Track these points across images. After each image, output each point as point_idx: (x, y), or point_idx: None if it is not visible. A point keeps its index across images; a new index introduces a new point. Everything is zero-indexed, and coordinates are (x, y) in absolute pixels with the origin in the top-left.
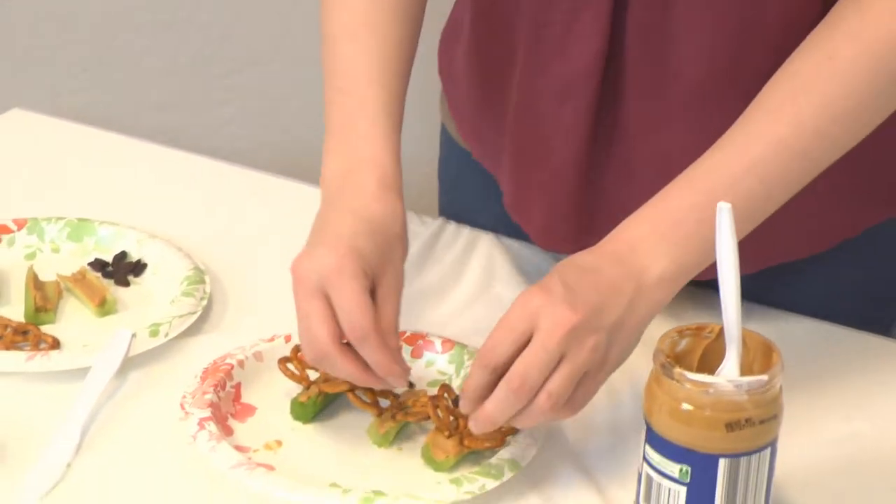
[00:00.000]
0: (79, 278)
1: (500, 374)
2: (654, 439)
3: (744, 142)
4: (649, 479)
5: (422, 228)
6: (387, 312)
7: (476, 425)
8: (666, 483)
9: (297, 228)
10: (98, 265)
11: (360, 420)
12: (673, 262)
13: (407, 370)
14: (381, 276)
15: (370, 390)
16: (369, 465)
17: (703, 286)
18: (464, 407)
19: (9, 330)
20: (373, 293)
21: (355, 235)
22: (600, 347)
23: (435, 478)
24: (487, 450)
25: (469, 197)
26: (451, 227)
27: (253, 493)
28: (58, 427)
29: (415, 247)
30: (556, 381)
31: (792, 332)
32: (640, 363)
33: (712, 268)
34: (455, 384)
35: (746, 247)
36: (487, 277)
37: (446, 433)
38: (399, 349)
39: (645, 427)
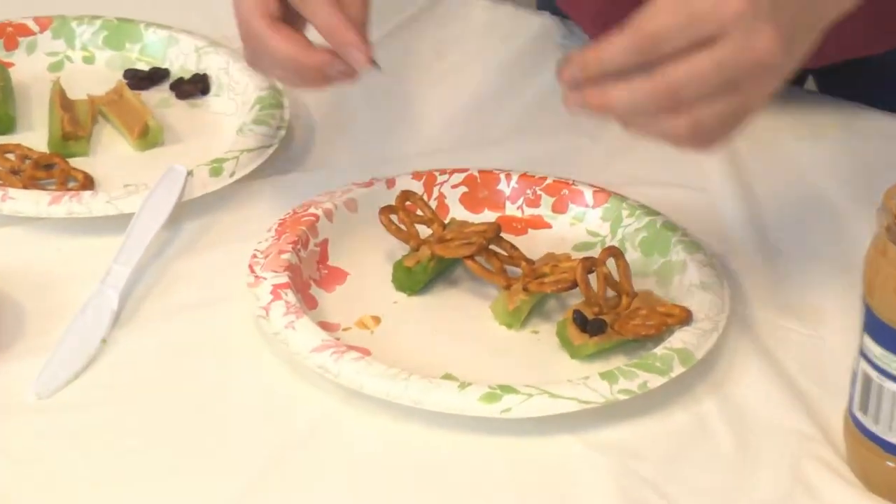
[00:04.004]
0: (114, 98)
1: (649, 61)
2: (875, 326)
3: None
4: (868, 379)
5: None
6: (356, 4)
7: (568, 100)
8: (890, 385)
9: (401, 49)
10: (132, 76)
11: (482, 293)
12: None
13: (367, 44)
14: None
15: (495, 255)
16: (494, 352)
17: None
18: (577, 70)
19: (28, 162)
20: None
21: None
22: (772, 92)
23: (581, 370)
24: (643, 339)
25: None
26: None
27: (341, 383)
28: (90, 292)
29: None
30: (710, 113)
31: None
32: (852, 225)
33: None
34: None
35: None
36: None
37: (596, 309)
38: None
39: (864, 310)
